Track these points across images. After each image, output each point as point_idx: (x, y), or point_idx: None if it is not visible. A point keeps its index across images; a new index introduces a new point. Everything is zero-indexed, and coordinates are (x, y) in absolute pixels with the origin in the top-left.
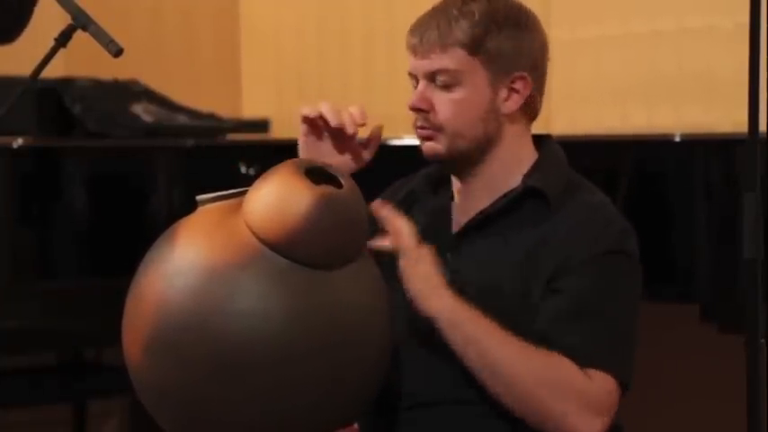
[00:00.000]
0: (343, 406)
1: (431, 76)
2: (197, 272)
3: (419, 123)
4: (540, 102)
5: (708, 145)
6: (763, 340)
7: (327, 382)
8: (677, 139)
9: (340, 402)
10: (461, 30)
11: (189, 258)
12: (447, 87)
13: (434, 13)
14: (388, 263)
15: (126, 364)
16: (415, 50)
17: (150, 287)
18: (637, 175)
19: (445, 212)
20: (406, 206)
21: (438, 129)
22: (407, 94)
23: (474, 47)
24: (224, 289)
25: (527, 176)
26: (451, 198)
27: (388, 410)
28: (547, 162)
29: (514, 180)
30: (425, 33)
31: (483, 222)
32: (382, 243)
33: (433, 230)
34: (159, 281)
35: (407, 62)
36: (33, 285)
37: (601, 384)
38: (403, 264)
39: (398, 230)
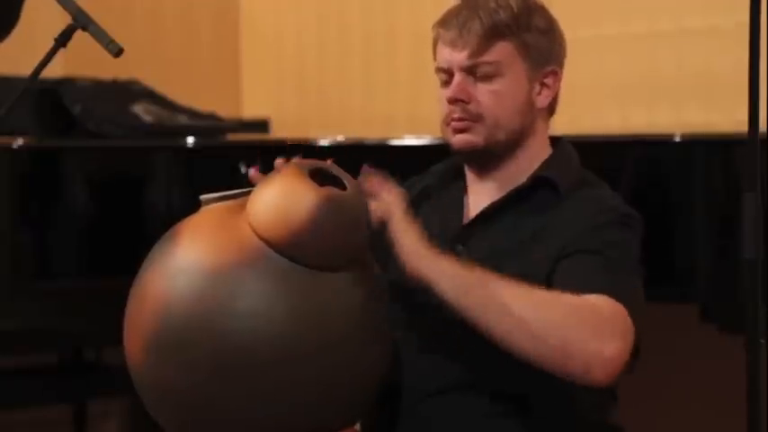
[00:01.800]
0: (344, 406)
1: (470, 69)
2: (200, 272)
3: (457, 115)
4: (558, 100)
5: (708, 145)
6: (763, 340)
7: (329, 382)
8: (677, 139)
9: (341, 403)
10: (503, 22)
11: (192, 258)
12: (487, 78)
13: (469, 5)
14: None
15: (127, 364)
16: (453, 43)
17: (153, 286)
18: (637, 175)
19: (457, 206)
20: (419, 203)
21: (477, 119)
22: (407, 94)
23: (515, 39)
24: (226, 289)
25: (539, 170)
26: (464, 191)
27: (392, 404)
28: (560, 158)
29: (527, 175)
30: (466, 25)
31: (493, 213)
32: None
33: (446, 223)
34: (162, 280)
35: (407, 62)
36: (33, 285)
37: (612, 307)
38: (392, 230)
39: (386, 197)
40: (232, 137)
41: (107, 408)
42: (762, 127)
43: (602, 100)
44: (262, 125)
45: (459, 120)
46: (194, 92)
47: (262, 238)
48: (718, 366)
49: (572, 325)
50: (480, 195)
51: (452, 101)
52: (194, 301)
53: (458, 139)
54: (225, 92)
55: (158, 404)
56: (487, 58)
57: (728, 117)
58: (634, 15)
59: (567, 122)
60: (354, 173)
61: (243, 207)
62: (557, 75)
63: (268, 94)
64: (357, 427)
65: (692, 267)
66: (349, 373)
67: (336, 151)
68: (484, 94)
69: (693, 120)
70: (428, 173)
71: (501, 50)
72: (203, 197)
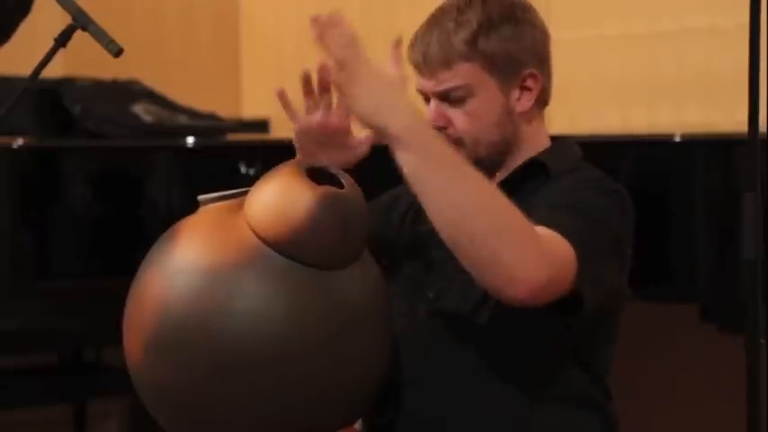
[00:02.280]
0: (344, 405)
1: (441, 95)
2: (198, 271)
3: None
4: (551, 87)
5: (708, 145)
6: (763, 340)
7: (328, 381)
8: (677, 139)
9: (341, 401)
10: (462, 42)
11: (190, 258)
12: (459, 102)
13: (431, 26)
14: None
15: (127, 364)
16: (419, 69)
17: (151, 286)
18: (637, 175)
19: None
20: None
21: (457, 142)
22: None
23: (479, 57)
24: (225, 289)
25: (534, 156)
26: None
27: (392, 402)
28: (557, 148)
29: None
30: (427, 51)
31: None
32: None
33: None
34: (160, 280)
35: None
36: (33, 285)
37: (558, 241)
38: (342, 80)
39: (335, 39)
40: (232, 137)
41: (107, 408)
42: (762, 127)
43: (602, 100)
44: (262, 125)
45: None
46: (194, 92)
47: (260, 237)
48: (718, 366)
49: (511, 237)
50: None
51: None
52: (193, 300)
53: None
54: (225, 92)
55: (158, 404)
56: (454, 83)
57: (728, 117)
58: (634, 15)
59: (567, 122)
60: (354, 173)
61: (241, 206)
62: (535, 76)
63: (268, 95)
64: (357, 425)
65: (692, 267)
66: (348, 372)
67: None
68: (458, 117)
69: (694, 120)
70: None
71: (466, 72)
72: (201, 197)
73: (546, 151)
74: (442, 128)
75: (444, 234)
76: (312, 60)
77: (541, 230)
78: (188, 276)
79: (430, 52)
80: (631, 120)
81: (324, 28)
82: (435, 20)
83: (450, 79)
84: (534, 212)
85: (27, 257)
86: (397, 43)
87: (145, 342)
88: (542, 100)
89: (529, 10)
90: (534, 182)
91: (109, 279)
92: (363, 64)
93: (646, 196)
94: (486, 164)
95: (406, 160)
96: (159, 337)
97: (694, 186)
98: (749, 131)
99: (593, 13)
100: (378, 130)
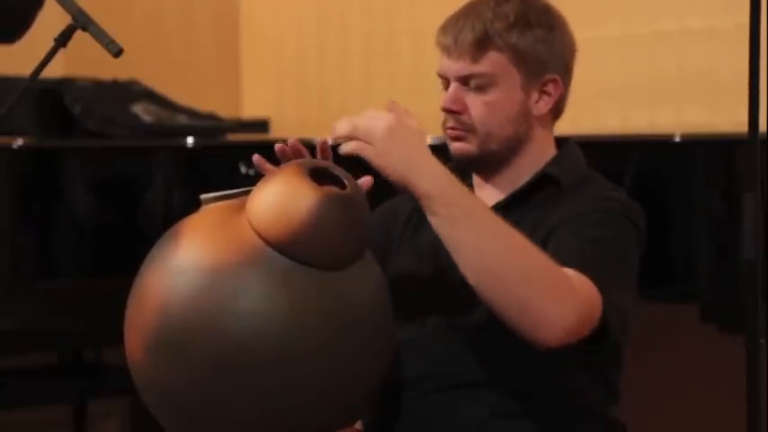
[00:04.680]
0: (344, 405)
1: (464, 79)
2: (200, 271)
3: (450, 124)
4: (566, 100)
5: (708, 145)
6: (763, 340)
7: (329, 381)
8: (677, 139)
9: (342, 402)
10: (496, 33)
11: (192, 258)
12: (480, 89)
13: (467, 13)
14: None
15: (128, 363)
16: (448, 52)
17: (153, 286)
18: (637, 175)
19: None
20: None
21: (470, 130)
22: (407, 94)
23: (509, 50)
24: (227, 289)
25: (542, 169)
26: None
27: (394, 402)
28: (564, 158)
29: (533, 175)
30: (460, 35)
31: (503, 212)
32: (348, 145)
33: None
34: (162, 280)
35: (407, 62)
36: (33, 285)
37: (582, 282)
38: (372, 156)
39: (358, 123)
40: (232, 137)
41: (107, 408)
42: (762, 127)
43: (603, 100)
44: (262, 125)
45: (453, 129)
46: (194, 92)
47: (262, 238)
48: (718, 366)
49: (541, 284)
50: (487, 195)
51: (445, 110)
52: (194, 300)
53: (453, 147)
54: (225, 92)
55: (159, 404)
56: (480, 69)
57: (728, 117)
58: (635, 16)
59: (567, 122)
60: (354, 173)
61: (243, 206)
62: (557, 82)
63: (268, 95)
64: (358, 425)
65: (692, 267)
66: (350, 372)
67: (336, 151)
68: (476, 105)
69: (694, 120)
70: None
71: (494, 62)
72: (203, 196)
73: (555, 161)
74: (457, 113)
75: (474, 282)
76: (312, 60)
77: (566, 272)
78: (189, 276)
79: (463, 36)
80: (632, 120)
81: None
82: (472, 8)
83: (478, 66)
84: (550, 237)
85: (27, 257)
86: (393, 104)
87: (146, 342)
88: (557, 109)
89: (562, 18)
90: (546, 190)
91: (109, 279)
92: (388, 121)
93: (646, 196)
94: (495, 158)
95: (437, 216)
96: (160, 337)
97: (694, 186)
98: (749, 131)
99: (593, 13)
100: (409, 188)
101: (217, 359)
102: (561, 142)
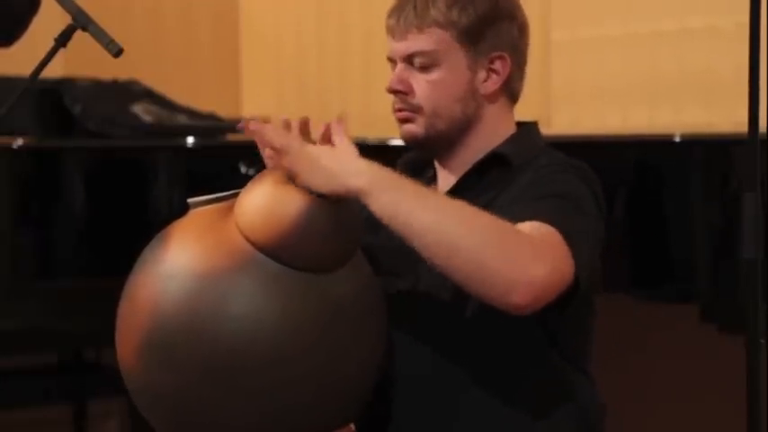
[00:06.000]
0: (336, 408)
1: (408, 59)
2: (189, 276)
3: (397, 105)
4: (521, 83)
5: (708, 145)
6: (763, 340)
7: (321, 384)
8: (677, 139)
9: (333, 405)
10: (438, 10)
11: (181, 262)
12: (425, 68)
13: None
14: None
15: (120, 368)
16: (392, 32)
17: (143, 290)
18: (637, 174)
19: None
20: None
21: (416, 110)
22: None
23: (452, 27)
24: (216, 293)
25: (495, 148)
26: (434, 179)
27: (387, 402)
28: (519, 138)
29: (482, 155)
30: (402, 14)
31: (454, 195)
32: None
33: None
34: (152, 284)
35: None
36: (33, 285)
37: (543, 231)
38: (297, 168)
39: (277, 139)
40: (232, 137)
41: (107, 408)
42: (762, 127)
43: (602, 100)
44: None
45: (400, 110)
46: (194, 92)
47: (250, 241)
48: (718, 366)
49: (502, 247)
50: (446, 179)
51: (391, 91)
52: (184, 304)
53: (402, 130)
54: (225, 92)
55: (151, 407)
56: (423, 47)
57: (728, 117)
58: (635, 16)
59: (567, 122)
60: None
61: (231, 209)
62: (504, 59)
63: (268, 95)
64: (352, 426)
65: (692, 267)
66: (342, 374)
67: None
68: (421, 84)
69: (694, 120)
70: (400, 163)
71: (437, 39)
72: (191, 200)
73: (507, 141)
74: (402, 92)
75: (436, 263)
76: (312, 60)
77: (526, 227)
78: (179, 281)
79: (405, 15)
80: (631, 120)
81: (256, 129)
82: None
83: (420, 43)
84: (507, 209)
85: (27, 257)
86: (340, 119)
87: (137, 346)
88: (510, 90)
89: (506, 3)
90: (497, 170)
91: (109, 279)
92: (302, 144)
93: (645, 196)
94: (444, 139)
95: (381, 206)
96: (151, 341)
97: (694, 186)
98: (749, 131)
99: (593, 13)
100: (345, 194)
101: (208, 362)
102: (521, 125)
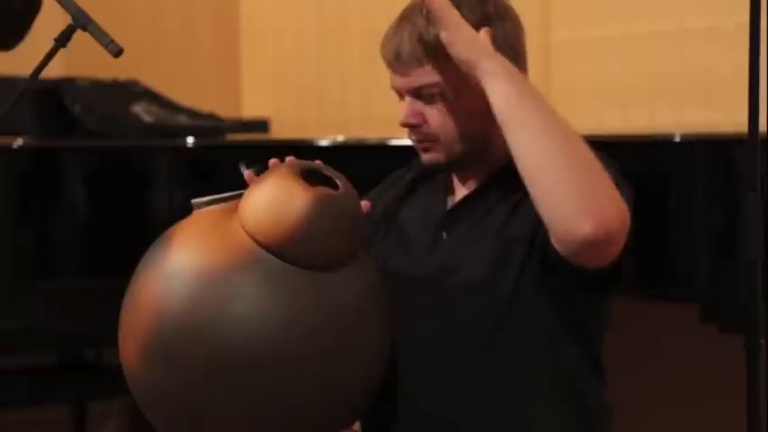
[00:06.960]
0: (341, 407)
1: (415, 92)
2: (193, 275)
3: (414, 138)
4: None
5: (708, 145)
6: (763, 340)
7: (325, 384)
8: (677, 139)
9: (338, 404)
10: (434, 39)
11: (185, 262)
12: (433, 99)
13: (402, 22)
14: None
15: (123, 368)
16: (392, 67)
17: (146, 291)
18: (637, 175)
19: (441, 195)
20: (407, 194)
21: (433, 140)
22: None
23: (449, 54)
24: (220, 292)
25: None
26: (449, 181)
27: (391, 402)
28: None
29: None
30: (398, 49)
31: (474, 199)
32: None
33: (430, 212)
34: (155, 285)
35: None
36: (33, 285)
37: (623, 207)
38: (445, 35)
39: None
40: (232, 137)
41: (107, 408)
42: (762, 127)
43: (602, 100)
44: (262, 125)
45: (418, 141)
46: (194, 92)
47: (255, 240)
48: (718, 366)
49: (593, 171)
50: (462, 186)
51: (405, 125)
52: (188, 304)
53: (424, 159)
54: (225, 92)
55: (153, 407)
56: (427, 80)
57: (728, 117)
58: (634, 16)
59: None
60: (354, 173)
61: (235, 209)
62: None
63: (268, 94)
64: (356, 426)
65: (691, 267)
66: (346, 373)
67: (336, 151)
68: (434, 114)
69: (694, 120)
70: (415, 164)
71: (438, 69)
72: (194, 201)
73: None
74: (418, 125)
75: (532, 162)
76: (312, 60)
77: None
78: (183, 281)
79: (401, 49)
80: (631, 120)
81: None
82: (406, 17)
83: (423, 76)
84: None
85: (27, 258)
86: None
87: (141, 347)
88: None
89: (501, 3)
90: (511, 183)
91: (109, 279)
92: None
93: (646, 196)
94: (466, 157)
95: (500, 89)
96: (155, 342)
97: (694, 186)
98: (749, 131)
99: (593, 13)
100: (475, 65)
101: (212, 363)
102: None
